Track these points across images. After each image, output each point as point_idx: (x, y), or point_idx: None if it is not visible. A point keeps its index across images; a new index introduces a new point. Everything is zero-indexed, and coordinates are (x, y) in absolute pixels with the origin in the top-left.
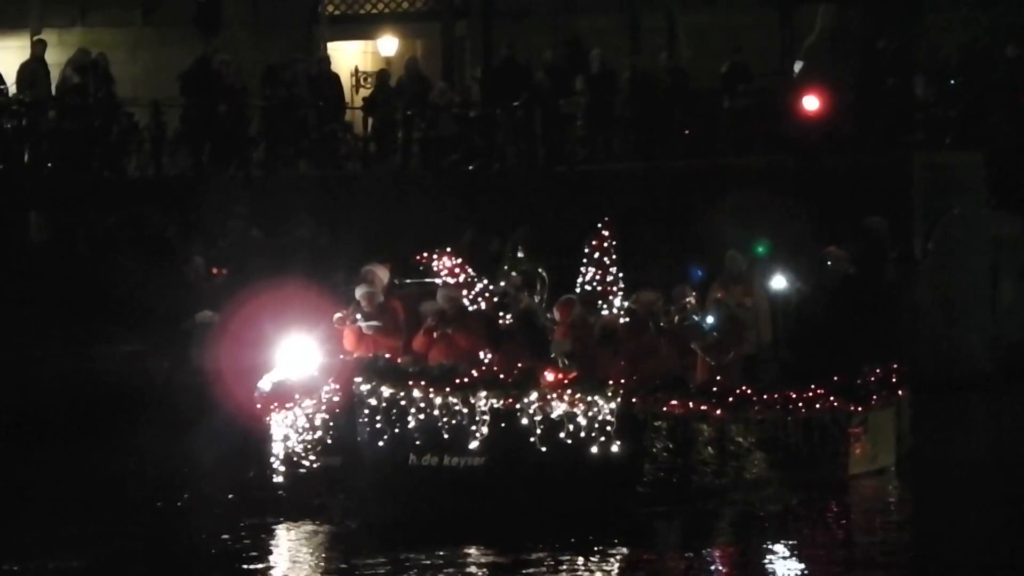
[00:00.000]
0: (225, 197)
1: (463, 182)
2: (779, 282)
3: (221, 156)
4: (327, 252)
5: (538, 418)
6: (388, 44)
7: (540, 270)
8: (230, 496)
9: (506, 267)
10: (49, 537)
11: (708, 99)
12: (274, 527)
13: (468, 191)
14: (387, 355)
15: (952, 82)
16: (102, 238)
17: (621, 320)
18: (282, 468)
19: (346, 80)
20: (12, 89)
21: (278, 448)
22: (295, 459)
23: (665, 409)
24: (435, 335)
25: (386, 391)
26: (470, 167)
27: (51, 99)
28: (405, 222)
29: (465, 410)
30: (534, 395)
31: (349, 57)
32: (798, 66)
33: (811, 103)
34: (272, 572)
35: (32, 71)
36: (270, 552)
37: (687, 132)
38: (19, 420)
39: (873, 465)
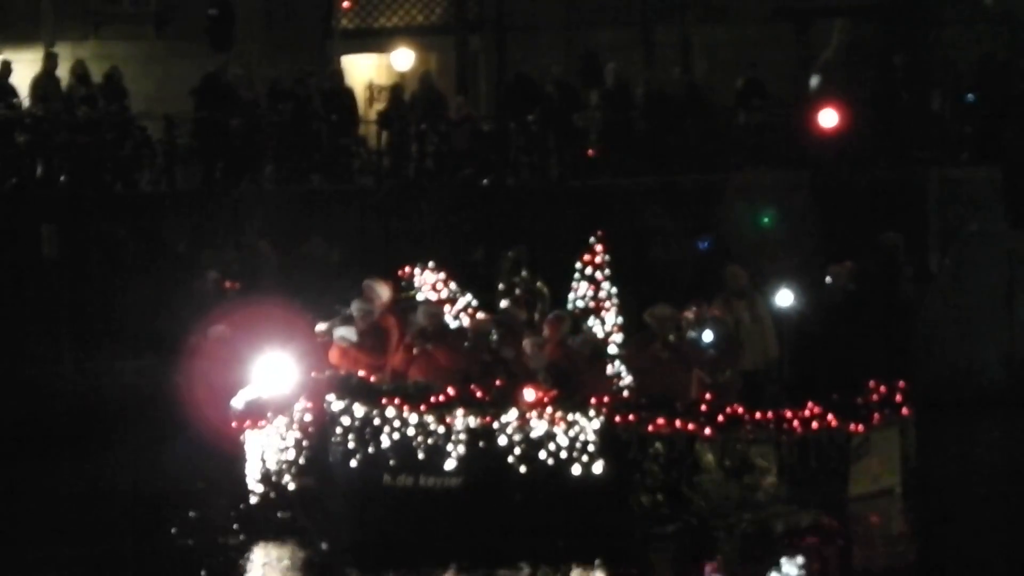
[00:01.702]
0: (237, 211)
1: (476, 197)
2: (784, 298)
3: (234, 171)
4: (338, 268)
5: (517, 437)
6: (402, 58)
7: (540, 285)
8: (203, 516)
9: (501, 285)
10: (22, 556)
11: (723, 114)
12: (247, 549)
13: (481, 206)
14: (361, 372)
15: (969, 97)
16: (114, 252)
17: (618, 335)
18: (257, 488)
19: (360, 94)
20: (25, 103)
21: (253, 467)
22: (270, 479)
23: (651, 428)
24: (414, 352)
25: (359, 409)
26: (484, 181)
27: (64, 113)
28: (418, 237)
29: (441, 429)
30: (513, 414)
31: (363, 71)
32: (814, 80)
33: (829, 118)
34: None
35: (44, 85)
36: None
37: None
38: (28, 434)
39: (876, 485)
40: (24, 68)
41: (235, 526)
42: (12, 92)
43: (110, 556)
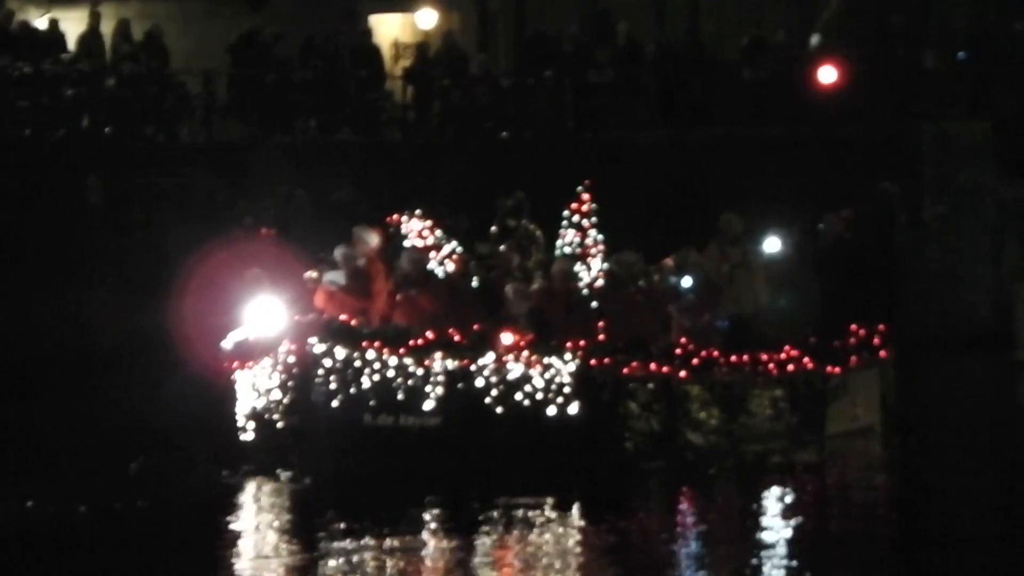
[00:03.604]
0: (272, 162)
1: (496, 148)
2: (772, 245)
3: (268, 123)
4: (366, 216)
5: (494, 379)
6: (426, 17)
7: (533, 228)
8: (190, 452)
9: (494, 228)
10: (23, 489)
11: (729, 71)
12: (237, 484)
13: (501, 157)
14: (343, 316)
15: (961, 55)
16: (155, 201)
17: (600, 281)
18: (244, 426)
19: (386, 51)
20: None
21: (241, 406)
22: (256, 418)
23: (625, 371)
24: (398, 297)
25: (341, 352)
26: (503, 134)
27: (108, 68)
28: (441, 187)
29: (420, 371)
30: (490, 356)
31: (389, 29)
32: (815, 39)
33: (828, 74)
34: (211, 528)
35: (90, 41)
36: (221, 509)
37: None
38: (67, 373)
39: (855, 424)
40: (71, 26)
41: (226, 462)
42: (60, 48)
43: (102, 490)
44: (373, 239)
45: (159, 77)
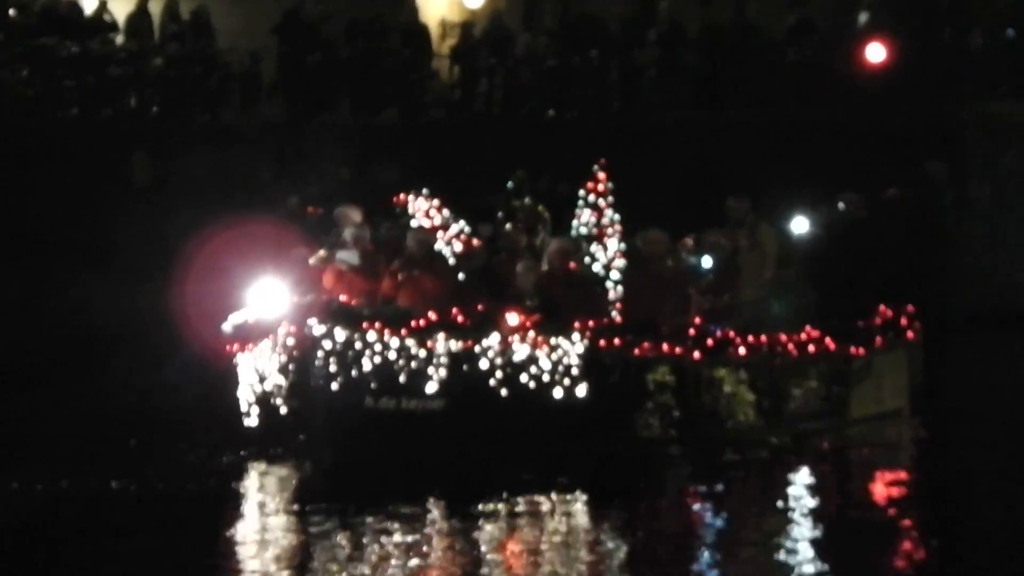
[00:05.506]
0: (316, 142)
1: (541, 128)
2: (799, 225)
3: (313, 103)
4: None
5: (499, 361)
6: None
7: (541, 209)
8: (192, 435)
9: (500, 212)
10: (27, 475)
11: (773, 51)
12: (239, 468)
13: (545, 137)
14: (343, 297)
15: (1008, 33)
16: (200, 180)
17: (620, 260)
18: (245, 409)
19: (433, 30)
20: (120, 38)
21: (242, 389)
22: (257, 402)
23: (638, 352)
24: (400, 278)
25: (340, 334)
26: (549, 113)
27: (155, 48)
28: (485, 166)
29: (422, 353)
30: (494, 337)
31: (436, 8)
32: (862, 18)
33: (876, 53)
34: (209, 512)
35: (137, 21)
36: (220, 493)
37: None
38: (104, 352)
39: (880, 407)
40: (119, 6)
41: (227, 446)
42: (108, 28)
43: (101, 472)
44: (357, 217)
45: (205, 57)
